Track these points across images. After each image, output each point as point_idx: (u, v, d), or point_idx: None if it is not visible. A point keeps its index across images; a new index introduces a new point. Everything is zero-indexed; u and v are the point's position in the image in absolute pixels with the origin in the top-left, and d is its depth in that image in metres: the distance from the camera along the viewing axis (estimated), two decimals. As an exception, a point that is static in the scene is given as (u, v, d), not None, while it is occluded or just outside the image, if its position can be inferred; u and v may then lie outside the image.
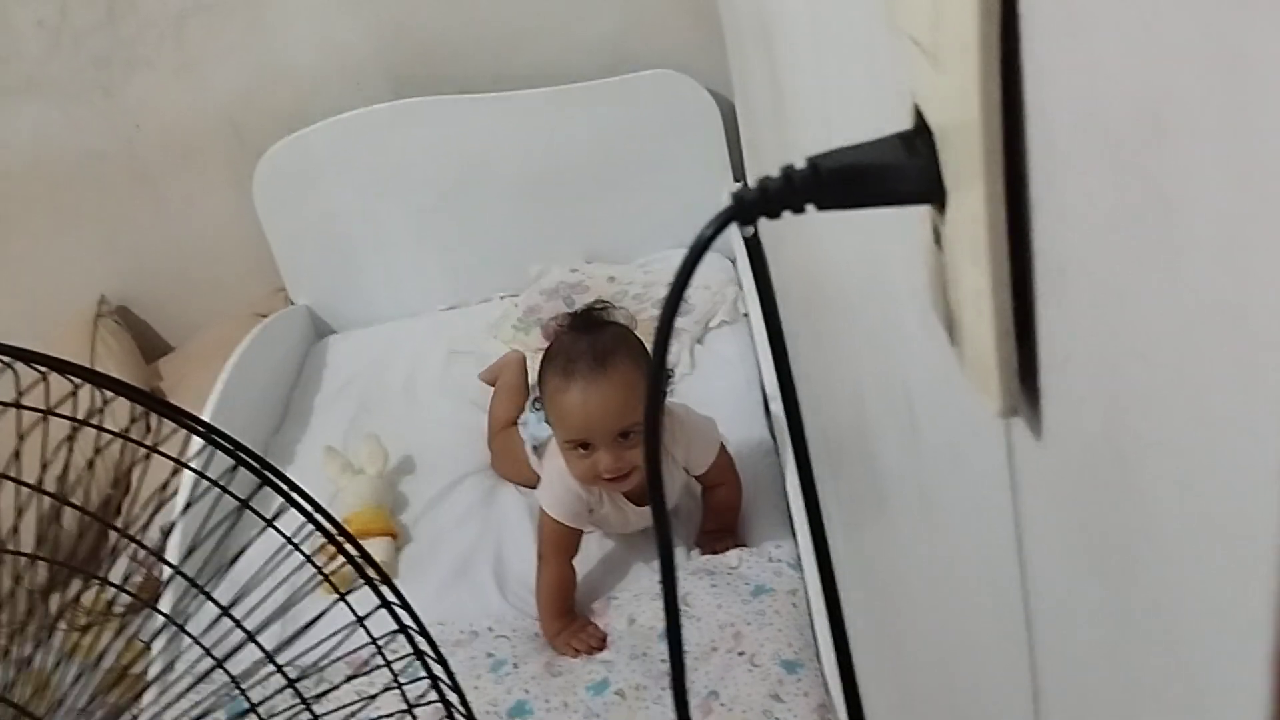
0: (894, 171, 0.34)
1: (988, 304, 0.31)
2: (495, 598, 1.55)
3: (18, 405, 0.63)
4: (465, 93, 2.10)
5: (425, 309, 2.27)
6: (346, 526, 1.71)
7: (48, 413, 0.64)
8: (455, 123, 2.11)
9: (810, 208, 0.35)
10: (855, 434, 0.91)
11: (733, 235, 2.10)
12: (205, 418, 1.78)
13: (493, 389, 1.92)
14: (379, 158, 2.14)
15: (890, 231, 0.52)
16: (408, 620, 0.64)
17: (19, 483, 0.68)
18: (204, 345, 2.21)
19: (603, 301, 1.67)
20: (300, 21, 2.08)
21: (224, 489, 0.66)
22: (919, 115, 0.35)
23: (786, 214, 0.35)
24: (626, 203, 2.18)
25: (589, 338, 1.45)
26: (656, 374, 0.37)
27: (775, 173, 0.36)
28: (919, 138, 0.34)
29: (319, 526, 0.63)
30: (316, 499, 1.83)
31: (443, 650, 1.46)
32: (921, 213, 0.39)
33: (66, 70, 2.08)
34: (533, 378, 1.76)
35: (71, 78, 2.09)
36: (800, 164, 0.35)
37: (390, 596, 0.65)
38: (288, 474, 1.96)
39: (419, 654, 0.66)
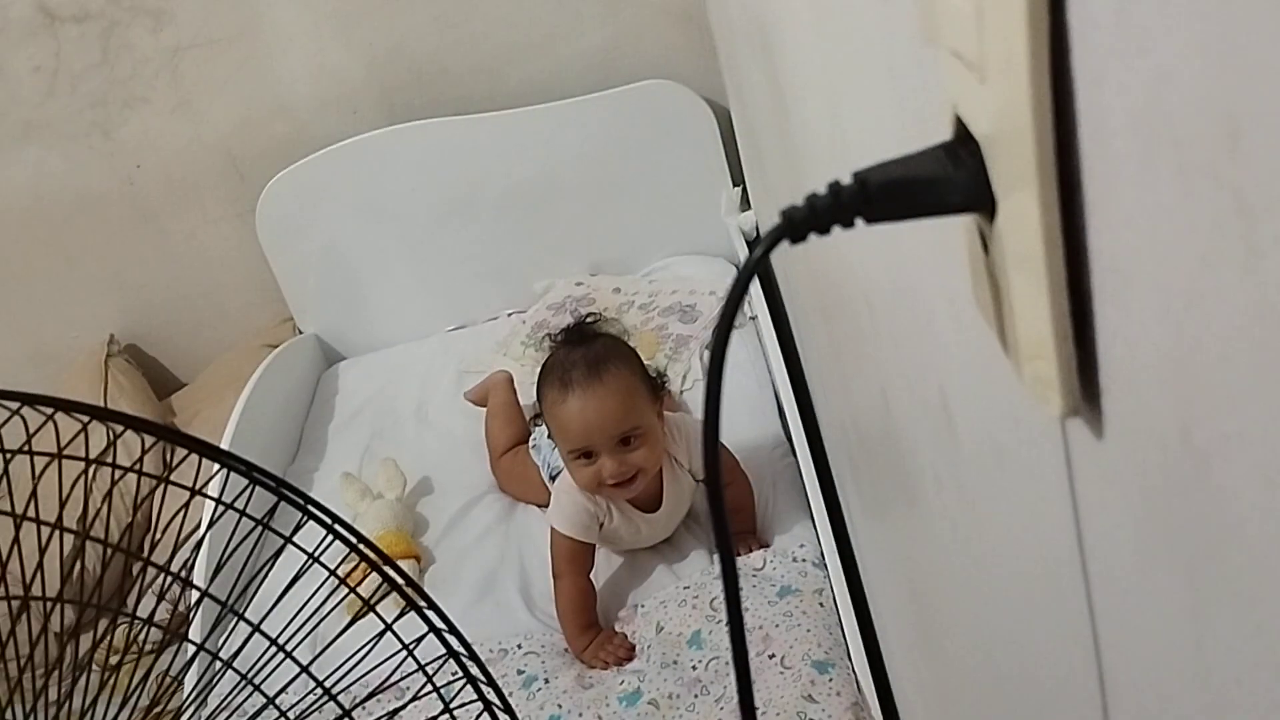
0: (941, 182, 0.35)
1: (1045, 308, 0.32)
2: (522, 613, 1.55)
3: (60, 455, 0.64)
4: (461, 113, 2.11)
5: (433, 330, 2.28)
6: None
7: (91, 462, 0.65)
8: (453, 144, 2.12)
9: (859, 222, 0.35)
10: (880, 435, 0.91)
11: (738, 240, 2.12)
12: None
13: (482, 409, 1.92)
14: (379, 183, 2.15)
15: (920, 238, 0.53)
16: (457, 645, 0.65)
17: (63, 530, 0.69)
18: (215, 378, 2.22)
19: (594, 314, 1.69)
20: (293, 52, 2.09)
21: (266, 526, 0.67)
22: (960, 125, 0.35)
23: (835, 229, 0.36)
24: (627, 213, 2.19)
25: (582, 349, 1.48)
26: (714, 388, 0.38)
27: (821, 189, 0.36)
28: (962, 148, 0.35)
29: (364, 557, 0.63)
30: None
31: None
32: (957, 220, 0.40)
33: (64, 113, 2.09)
34: (528, 397, 1.77)
35: (69, 120, 2.10)
36: (846, 179, 0.36)
37: (438, 622, 0.65)
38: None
39: (471, 679, 0.66)
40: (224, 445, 1.81)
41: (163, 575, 0.82)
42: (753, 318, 1.98)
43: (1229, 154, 0.21)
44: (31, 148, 2.12)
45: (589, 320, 1.62)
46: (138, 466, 0.74)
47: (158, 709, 0.97)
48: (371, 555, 0.64)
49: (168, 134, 2.14)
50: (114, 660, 0.96)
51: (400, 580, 0.65)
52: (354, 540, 0.63)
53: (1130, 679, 0.37)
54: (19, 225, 2.20)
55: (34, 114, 2.09)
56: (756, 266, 0.36)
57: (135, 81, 2.08)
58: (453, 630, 0.66)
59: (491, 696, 0.68)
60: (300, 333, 2.29)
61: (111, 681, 0.91)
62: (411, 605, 0.64)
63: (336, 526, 0.64)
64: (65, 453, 0.72)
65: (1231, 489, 0.25)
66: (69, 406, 0.68)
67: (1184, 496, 0.27)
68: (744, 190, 2.15)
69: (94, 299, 2.29)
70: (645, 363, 1.81)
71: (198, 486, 0.75)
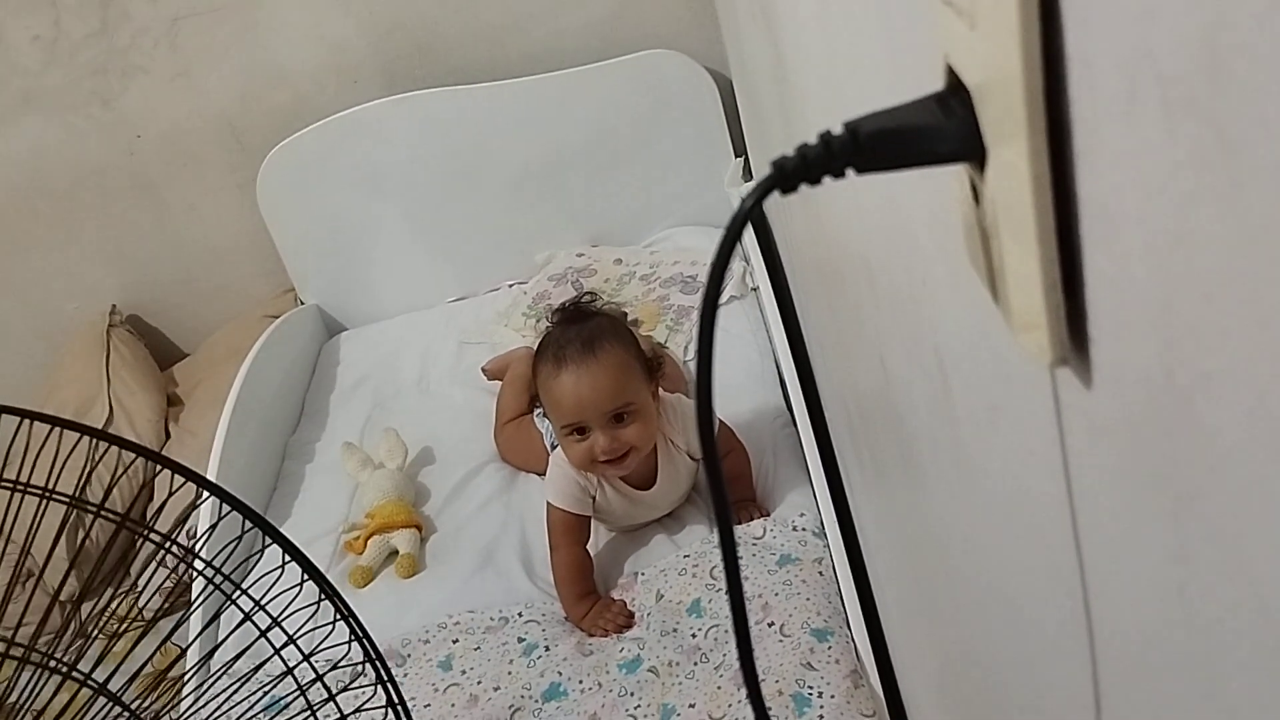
0: (932, 132, 0.35)
1: (1034, 257, 0.32)
2: (523, 582, 1.56)
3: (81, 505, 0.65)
4: (462, 84, 2.11)
5: (434, 301, 2.28)
6: (370, 521, 1.73)
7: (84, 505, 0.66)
8: (453, 114, 2.12)
9: (850, 172, 0.35)
10: (877, 399, 0.91)
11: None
12: (223, 422, 1.80)
13: (498, 382, 1.93)
14: (380, 153, 2.15)
15: (914, 197, 0.53)
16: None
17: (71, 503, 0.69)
18: (216, 349, 2.22)
19: (590, 294, 1.70)
20: (293, 21, 2.09)
21: (239, 587, 0.69)
22: (952, 75, 0.35)
23: (825, 179, 0.36)
24: (629, 184, 2.19)
25: (577, 327, 1.48)
26: (705, 349, 0.38)
27: (812, 139, 0.36)
28: (954, 97, 0.35)
29: (320, 586, 0.65)
30: (338, 495, 1.85)
31: (473, 638, 1.49)
32: (949, 176, 0.40)
33: (64, 83, 2.08)
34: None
35: (69, 90, 2.09)
36: (837, 129, 0.36)
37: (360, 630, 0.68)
38: (308, 471, 1.97)
39: (380, 680, 0.70)
40: (225, 416, 1.81)
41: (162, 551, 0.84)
42: (754, 289, 1.98)
43: (1210, 86, 0.21)
44: (31, 118, 2.12)
45: (586, 299, 1.63)
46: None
47: (160, 676, 0.98)
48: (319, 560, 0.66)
49: (167, 104, 2.13)
50: (117, 628, 0.97)
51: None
52: (306, 570, 0.65)
53: (1117, 626, 0.37)
54: (19, 196, 2.19)
55: (33, 84, 2.08)
56: (748, 216, 0.36)
57: (134, 51, 2.07)
58: (367, 636, 0.70)
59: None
60: (301, 303, 2.29)
61: (113, 648, 0.93)
62: (341, 614, 0.67)
63: (295, 555, 0.66)
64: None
65: (1213, 428, 0.25)
66: (68, 425, 0.71)
67: (1169, 439, 0.28)
68: (746, 161, 2.15)
69: (95, 270, 2.29)
70: (644, 334, 1.81)
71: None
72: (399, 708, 0.88)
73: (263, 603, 0.81)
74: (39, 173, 2.18)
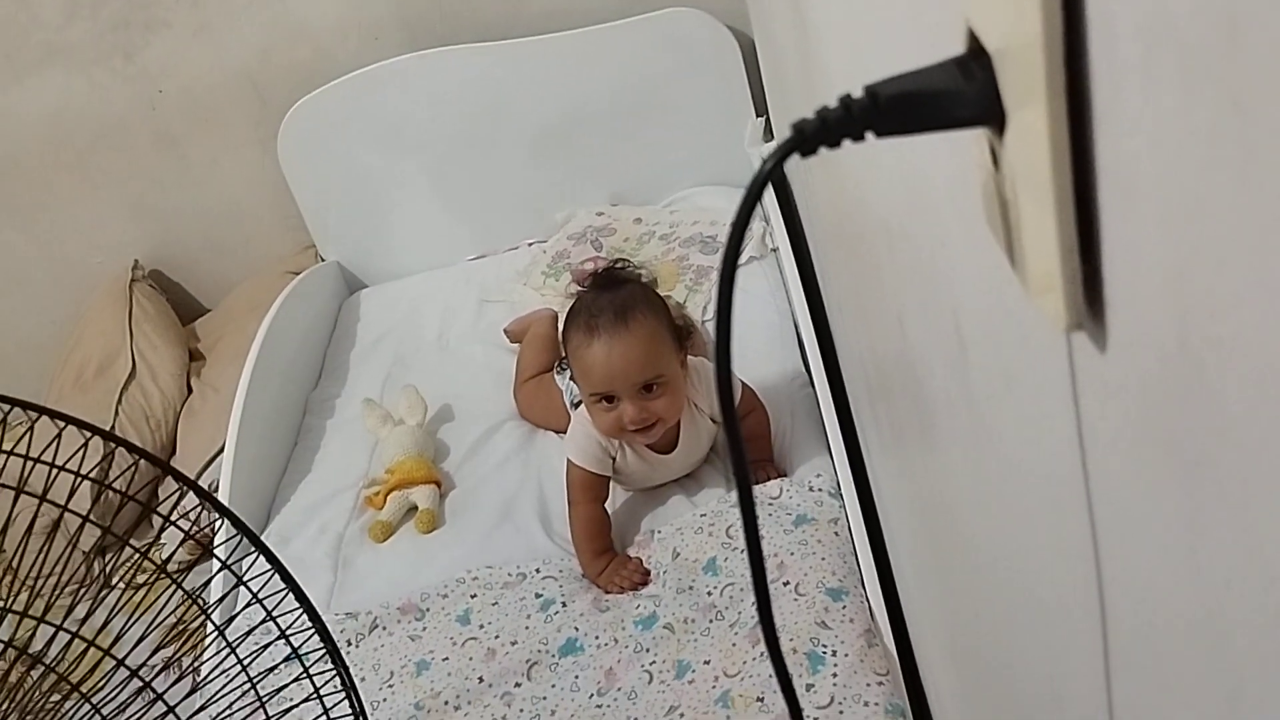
0: (952, 96, 0.35)
1: (1051, 221, 0.32)
2: (541, 539, 1.58)
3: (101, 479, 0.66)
4: (483, 41, 2.10)
5: (454, 259, 2.28)
6: (390, 476, 1.74)
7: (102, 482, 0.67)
8: (475, 72, 2.11)
9: (869, 136, 0.36)
10: (895, 362, 0.92)
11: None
12: (245, 377, 1.81)
13: (518, 344, 1.94)
14: (401, 110, 2.15)
15: (934, 160, 0.53)
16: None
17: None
18: (238, 305, 2.24)
19: (622, 260, 1.69)
20: (314, -24, 2.08)
21: (240, 580, 0.71)
22: (973, 39, 0.35)
23: (845, 142, 0.36)
24: (649, 143, 2.18)
25: (610, 294, 1.48)
26: (724, 310, 0.38)
27: (832, 103, 0.36)
28: (974, 61, 0.35)
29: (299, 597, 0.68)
30: (359, 450, 1.87)
31: (491, 593, 1.51)
32: (969, 140, 0.40)
33: (87, 36, 2.09)
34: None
35: (92, 43, 2.09)
36: (858, 93, 0.36)
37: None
38: (329, 427, 2.01)
39: (328, 649, 0.75)
40: (247, 371, 1.83)
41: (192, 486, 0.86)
42: (774, 249, 1.98)
43: (1228, 54, 0.21)
44: (54, 72, 2.12)
45: (618, 266, 1.62)
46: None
47: (181, 626, 1.00)
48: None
49: (189, 58, 2.13)
50: (139, 579, 0.99)
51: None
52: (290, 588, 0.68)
53: (1128, 589, 0.37)
54: (43, 149, 2.20)
55: (56, 37, 2.09)
56: (768, 178, 0.36)
57: (157, 5, 2.07)
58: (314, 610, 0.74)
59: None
60: (322, 260, 2.30)
61: (135, 598, 0.95)
62: (289, 587, 0.70)
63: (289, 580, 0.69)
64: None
65: (1224, 392, 0.25)
66: (79, 424, 0.77)
67: (1180, 404, 0.28)
68: (767, 121, 2.13)
69: (118, 223, 2.31)
70: (667, 294, 1.82)
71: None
72: (343, 674, 0.95)
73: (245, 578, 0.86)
74: (62, 127, 2.18)
